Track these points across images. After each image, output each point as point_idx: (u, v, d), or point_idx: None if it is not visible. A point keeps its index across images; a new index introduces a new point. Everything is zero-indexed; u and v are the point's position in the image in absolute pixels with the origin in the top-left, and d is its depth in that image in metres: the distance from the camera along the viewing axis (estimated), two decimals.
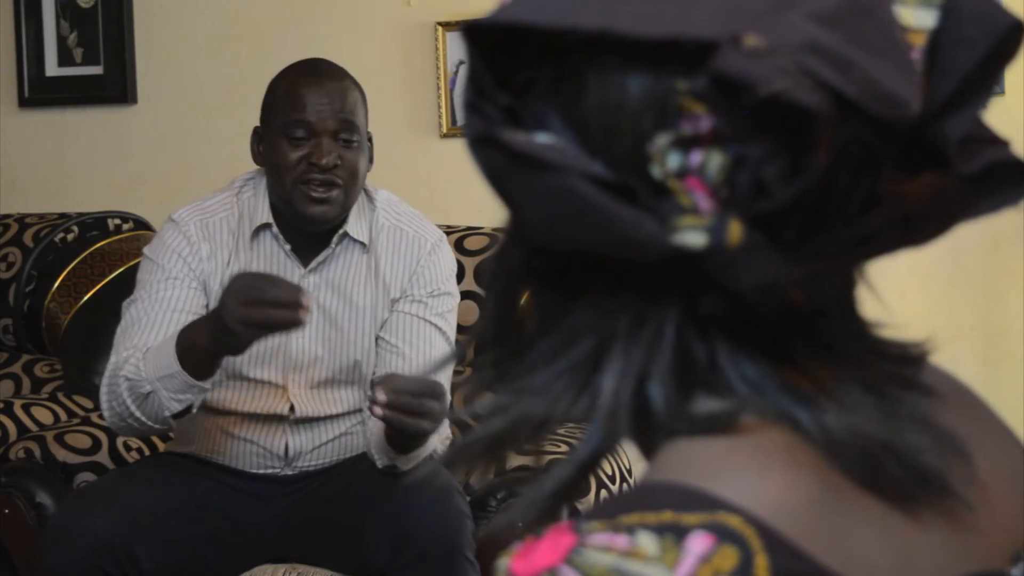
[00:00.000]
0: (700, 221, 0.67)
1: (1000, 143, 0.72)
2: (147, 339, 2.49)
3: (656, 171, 0.68)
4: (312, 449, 2.67)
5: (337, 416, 2.66)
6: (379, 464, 2.54)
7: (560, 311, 0.74)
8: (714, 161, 0.66)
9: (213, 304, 2.52)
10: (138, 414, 2.44)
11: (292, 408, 2.64)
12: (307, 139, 2.51)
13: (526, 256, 0.75)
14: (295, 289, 2.25)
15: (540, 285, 0.75)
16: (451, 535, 2.47)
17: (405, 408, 2.27)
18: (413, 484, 2.49)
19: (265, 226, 2.61)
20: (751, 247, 0.67)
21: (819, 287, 0.72)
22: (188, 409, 2.44)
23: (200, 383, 2.40)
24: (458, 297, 2.71)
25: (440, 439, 2.53)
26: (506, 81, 0.71)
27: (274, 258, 2.62)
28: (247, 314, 2.23)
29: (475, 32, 0.70)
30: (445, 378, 2.51)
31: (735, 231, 0.66)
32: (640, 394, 0.71)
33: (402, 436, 2.40)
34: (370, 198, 2.68)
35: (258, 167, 2.65)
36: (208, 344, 2.34)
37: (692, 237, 0.67)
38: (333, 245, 2.61)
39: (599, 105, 0.69)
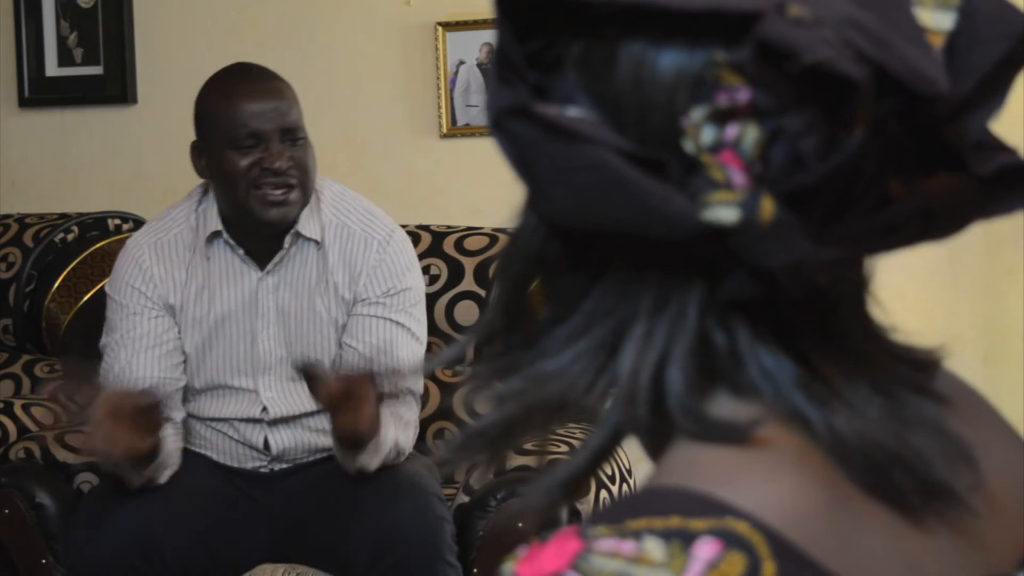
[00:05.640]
0: (732, 196, 0.66)
1: (1008, 150, 0.72)
2: (127, 380, 2.59)
3: (689, 146, 0.67)
4: (294, 445, 2.70)
5: (312, 414, 2.67)
6: (349, 471, 2.55)
7: (577, 296, 0.73)
8: (750, 134, 0.66)
9: (182, 320, 2.64)
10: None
11: (265, 409, 2.67)
12: (255, 146, 2.50)
13: (544, 239, 0.74)
14: (144, 395, 2.44)
15: (557, 270, 0.74)
16: (430, 540, 2.48)
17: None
18: (393, 489, 2.50)
19: (216, 234, 2.61)
20: (781, 225, 0.66)
21: (840, 277, 0.72)
22: (150, 480, 2.55)
23: (140, 476, 2.53)
24: (420, 288, 2.69)
25: (404, 431, 2.55)
26: (533, 59, 0.70)
27: (229, 265, 2.63)
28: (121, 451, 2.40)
29: (506, 2, 0.69)
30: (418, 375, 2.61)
31: (767, 207, 0.66)
32: (658, 381, 0.70)
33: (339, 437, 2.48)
34: (317, 194, 2.65)
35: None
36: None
37: (724, 213, 0.66)
38: (287, 246, 2.60)
39: (631, 79, 0.68)
